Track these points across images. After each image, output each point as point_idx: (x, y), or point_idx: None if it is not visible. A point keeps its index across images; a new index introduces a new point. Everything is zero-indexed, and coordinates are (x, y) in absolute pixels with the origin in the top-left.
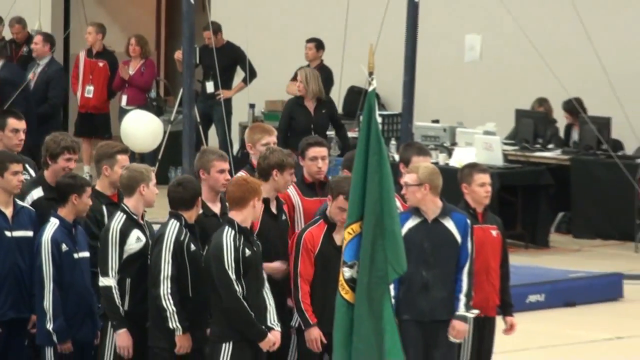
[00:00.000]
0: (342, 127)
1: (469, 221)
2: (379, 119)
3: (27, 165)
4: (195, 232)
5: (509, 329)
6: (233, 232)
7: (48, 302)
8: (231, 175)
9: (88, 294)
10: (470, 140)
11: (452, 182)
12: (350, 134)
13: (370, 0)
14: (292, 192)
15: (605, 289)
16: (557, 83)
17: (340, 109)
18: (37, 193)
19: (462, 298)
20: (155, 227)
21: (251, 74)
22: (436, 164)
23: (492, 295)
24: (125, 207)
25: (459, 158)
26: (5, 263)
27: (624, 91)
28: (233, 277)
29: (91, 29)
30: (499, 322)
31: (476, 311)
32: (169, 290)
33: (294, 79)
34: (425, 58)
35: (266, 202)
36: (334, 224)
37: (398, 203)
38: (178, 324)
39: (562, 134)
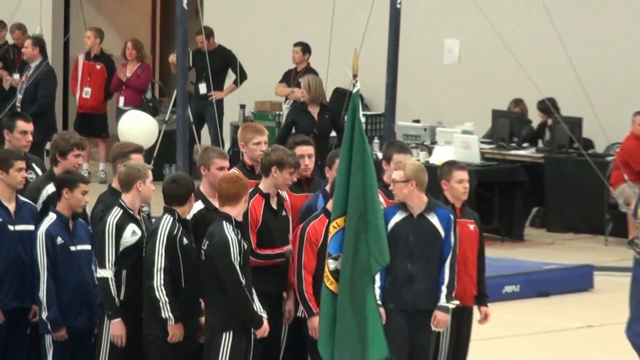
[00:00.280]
0: (342, 131)
1: (452, 216)
2: (363, 119)
3: (34, 164)
4: (188, 226)
5: (484, 318)
6: (231, 226)
7: (43, 292)
8: None
9: (85, 284)
10: (449, 139)
11: (432, 179)
12: (333, 134)
13: (354, 7)
14: None
15: (577, 280)
16: (531, 84)
17: None
18: (51, 188)
19: (444, 289)
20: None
21: (242, 76)
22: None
23: (470, 286)
24: (122, 203)
25: (439, 156)
26: (9, 255)
27: (594, 92)
28: (238, 269)
29: (90, 33)
30: (476, 312)
31: (457, 302)
32: (162, 282)
33: (282, 81)
34: (406, 61)
35: (266, 197)
36: None
37: (381, 198)
38: (170, 314)
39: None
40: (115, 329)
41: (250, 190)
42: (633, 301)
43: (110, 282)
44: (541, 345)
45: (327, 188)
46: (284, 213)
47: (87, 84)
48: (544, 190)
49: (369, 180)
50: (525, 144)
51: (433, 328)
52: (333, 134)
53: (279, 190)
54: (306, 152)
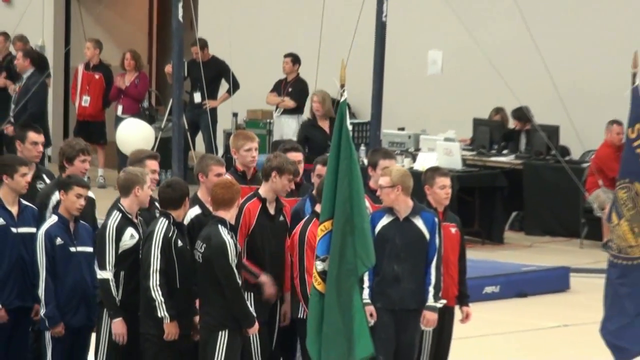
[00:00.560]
0: None
1: (436, 219)
2: (350, 127)
3: (44, 175)
4: (183, 229)
5: (465, 318)
6: (226, 229)
7: (41, 290)
8: None
9: (84, 284)
10: (433, 146)
11: (415, 184)
12: None
13: (342, 19)
14: None
15: (554, 281)
16: (510, 94)
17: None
18: None
19: (431, 290)
20: None
21: (234, 86)
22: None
23: (452, 287)
24: (122, 207)
25: (422, 162)
26: (12, 256)
27: (570, 101)
28: (235, 271)
29: (89, 44)
30: (458, 311)
31: (444, 301)
32: (158, 282)
33: (273, 90)
34: (392, 72)
35: (264, 201)
36: None
37: (367, 203)
38: (166, 313)
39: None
40: (116, 328)
41: (249, 194)
42: (607, 301)
43: (111, 283)
44: (520, 343)
45: (314, 192)
46: (281, 218)
47: (86, 93)
48: (523, 195)
49: (356, 185)
50: (504, 151)
51: (423, 327)
52: None
53: (278, 196)
54: (296, 159)
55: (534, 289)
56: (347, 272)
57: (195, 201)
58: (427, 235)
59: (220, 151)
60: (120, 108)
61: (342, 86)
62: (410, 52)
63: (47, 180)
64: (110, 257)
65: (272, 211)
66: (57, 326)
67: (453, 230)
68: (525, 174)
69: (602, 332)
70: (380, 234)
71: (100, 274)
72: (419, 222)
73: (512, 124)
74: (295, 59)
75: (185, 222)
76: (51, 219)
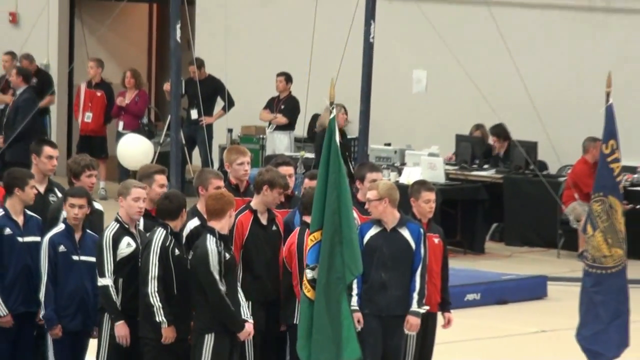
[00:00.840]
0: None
1: (422, 230)
2: (338, 142)
3: (55, 189)
4: (180, 239)
5: (447, 323)
6: (214, 239)
7: (42, 294)
8: None
9: (84, 292)
10: (417, 160)
11: (401, 196)
12: (309, 155)
13: (332, 41)
14: None
15: (532, 289)
16: (491, 111)
17: (304, 133)
18: None
19: (415, 296)
20: None
21: (229, 103)
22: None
23: (434, 294)
24: (119, 217)
25: (408, 176)
26: (18, 264)
27: (547, 118)
28: (217, 277)
29: (92, 63)
30: (440, 318)
31: (427, 307)
32: (156, 289)
33: (266, 107)
34: (379, 90)
35: (255, 213)
36: None
37: (355, 215)
38: (164, 318)
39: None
40: (119, 330)
41: (242, 207)
42: (582, 308)
43: (111, 289)
44: (499, 348)
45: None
46: (274, 228)
47: (88, 109)
48: (503, 207)
49: (344, 197)
50: (485, 166)
51: (406, 331)
52: None
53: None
54: (287, 172)
55: (513, 297)
56: (335, 280)
57: (195, 213)
58: (413, 245)
59: (216, 165)
60: (121, 124)
61: (332, 103)
62: (396, 71)
63: (59, 194)
64: (108, 264)
65: (264, 221)
66: (54, 328)
67: (436, 240)
68: (505, 188)
69: (578, 337)
70: (369, 244)
71: (101, 281)
72: (405, 233)
73: (491, 140)
74: (287, 78)
75: (185, 232)
76: (58, 227)
